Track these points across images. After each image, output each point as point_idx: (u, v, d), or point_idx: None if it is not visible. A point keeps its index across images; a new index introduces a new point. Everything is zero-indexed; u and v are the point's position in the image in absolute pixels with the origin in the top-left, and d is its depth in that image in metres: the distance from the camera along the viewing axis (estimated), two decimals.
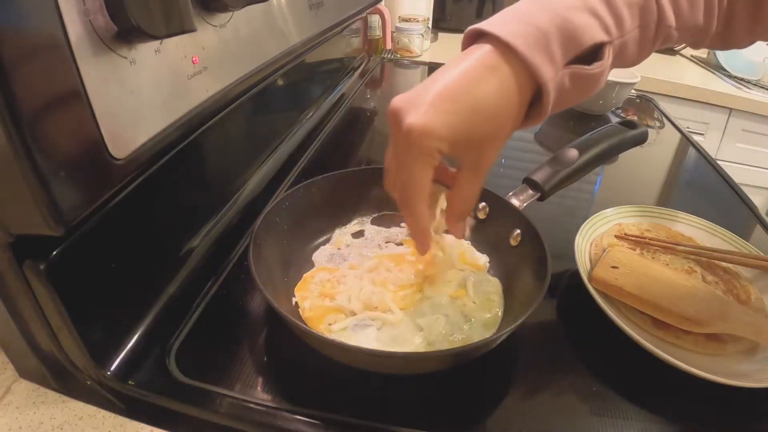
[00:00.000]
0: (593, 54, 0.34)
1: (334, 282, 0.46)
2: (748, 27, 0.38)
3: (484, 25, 0.33)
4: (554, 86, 0.33)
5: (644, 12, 0.34)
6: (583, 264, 0.49)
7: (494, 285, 0.48)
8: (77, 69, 0.27)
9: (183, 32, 0.32)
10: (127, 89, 0.31)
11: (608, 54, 0.34)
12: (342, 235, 0.54)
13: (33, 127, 0.26)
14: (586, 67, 0.33)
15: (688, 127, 1.00)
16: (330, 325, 0.42)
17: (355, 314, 0.42)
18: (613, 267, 0.47)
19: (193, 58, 0.38)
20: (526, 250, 0.47)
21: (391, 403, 0.38)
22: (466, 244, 0.53)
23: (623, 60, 0.36)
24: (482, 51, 0.32)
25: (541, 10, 0.33)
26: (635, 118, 1.03)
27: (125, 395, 0.37)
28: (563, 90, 0.34)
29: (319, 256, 0.51)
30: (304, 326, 0.38)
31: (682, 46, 1.72)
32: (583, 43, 0.33)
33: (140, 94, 0.33)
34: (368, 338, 0.41)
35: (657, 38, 0.36)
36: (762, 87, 1.59)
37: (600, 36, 0.33)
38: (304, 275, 0.47)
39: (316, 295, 0.44)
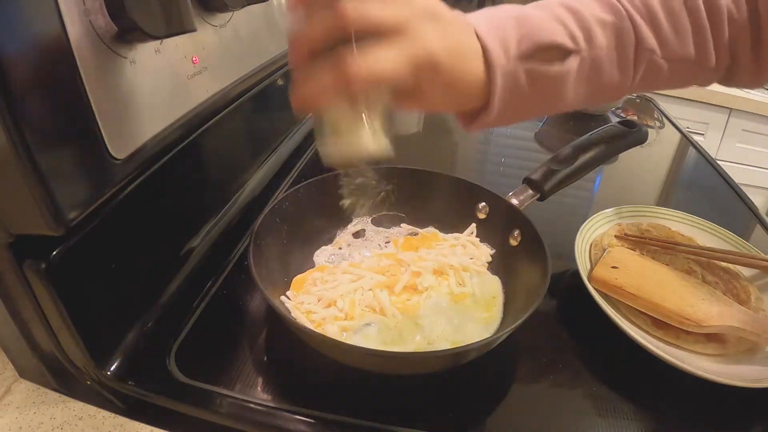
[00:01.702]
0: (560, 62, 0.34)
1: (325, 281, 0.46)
2: (752, 68, 0.37)
3: (470, 15, 0.34)
4: (504, 74, 0.33)
5: (619, 32, 0.34)
6: (583, 264, 0.49)
7: (494, 285, 0.48)
8: (77, 69, 0.27)
9: (183, 32, 0.32)
10: (127, 89, 0.31)
11: (574, 62, 0.34)
12: (342, 235, 0.54)
13: (33, 127, 0.26)
14: (544, 64, 0.33)
15: (688, 127, 1.00)
16: (328, 329, 0.42)
17: (353, 319, 0.42)
18: (613, 267, 0.47)
19: (193, 58, 0.38)
20: (526, 250, 0.47)
21: (391, 403, 0.38)
22: (472, 238, 0.53)
23: (602, 79, 0.35)
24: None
25: (510, 11, 0.34)
26: (635, 118, 1.03)
27: (125, 395, 0.37)
28: (518, 85, 0.33)
29: (320, 256, 0.51)
30: (305, 326, 0.39)
31: None
32: (539, 39, 0.33)
33: (140, 94, 0.33)
34: (368, 338, 0.41)
35: (639, 63, 0.35)
36: (762, 87, 1.59)
37: (561, 38, 0.33)
38: (293, 278, 0.47)
39: (315, 302, 0.44)
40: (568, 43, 0.33)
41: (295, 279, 0.47)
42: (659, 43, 0.35)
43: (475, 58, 0.33)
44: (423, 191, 0.56)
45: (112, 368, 0.37)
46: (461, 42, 0.32)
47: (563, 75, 0.34)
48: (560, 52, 0.34)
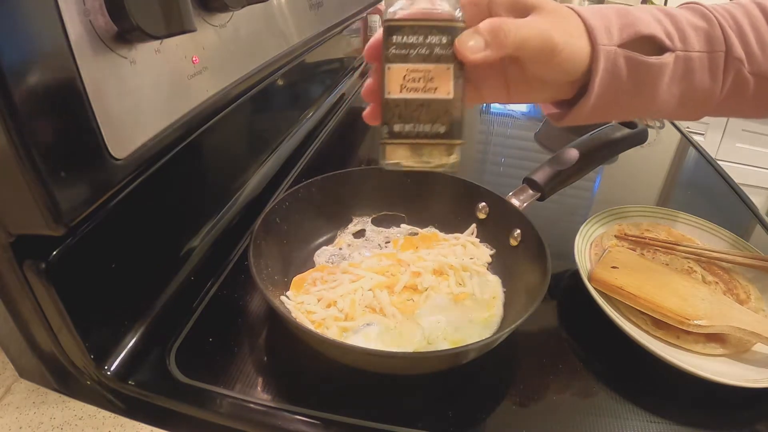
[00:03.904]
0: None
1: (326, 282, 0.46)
2: None
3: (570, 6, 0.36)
4: (606, 55, 0.34)
5: (710, 38, 0.36)
6: (583, 264, 0.49)
7: (494, 285, 0.48)
8: (77, 69, 0.27)
9: (183, 32, 0.32)
10: (127, 89, 0.31)
11: (669, 58, 0.35)
12: (343, 235, 0.54)
13: (33, 127, 0.26)
14: (642, 55, 0.35)
15: (688, 127, 1.00)
16: (328, 329, 0.42)
17: (353, 319, 0.42)
18: (613, 267, 0.47)
19: (193, 58, 0.38)
20: (526, 250, 0.47)
21: (391, 403, 0.38)
22: (472, 238, 0.53)
23: (694, 82, 0.36)
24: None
25: (611, 7, 0.36)
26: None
27: (125, 395, 0.37)
28: (618, 71, 0.35)
29: (320, 256, 0.51)
30: (305, 326, 0.39)
31: None
32: (640, 30, 0.35)
33: (140, 94, 0.33)
34: (368, 338, 0.41)
35: (728, 72, 0.36)
36: None
37: (658, 32, 0.35)
38: (293, 278, 0.47)
39: (314, 302, 0.44)
40: (665, 40, 0.35)
41: (295, 279, 0.47)
42: (746, 54, 0.36)
43: (577, 33, 0.34)
44: (423, 191, 0.56)
45: (112, 368, 0.37)
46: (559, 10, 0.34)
47: (660, 68, 0.35)
48: (657, 48, 0.35)
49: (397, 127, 0.32)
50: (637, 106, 0.37)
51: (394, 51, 0.31)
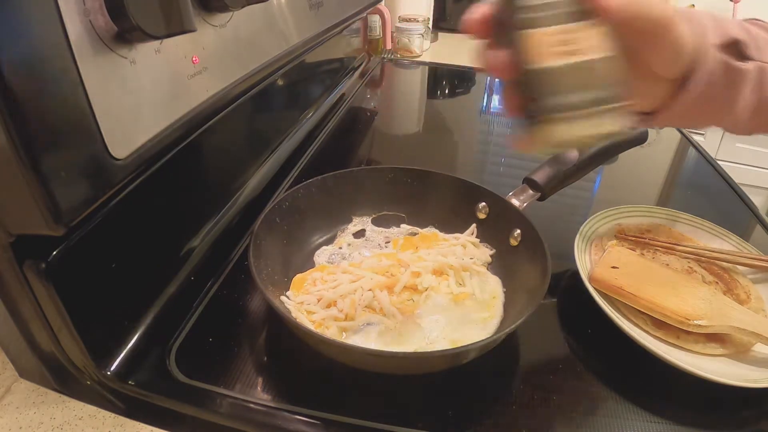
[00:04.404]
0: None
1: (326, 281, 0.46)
2: None
3: None
4: (705, 54, 0.33)
5: None
6: (583, 264, 0.49)
7: (494, 285, 0.48)
8: (77, 69, 0.27)
9: (183, 32, 0.32)
10: (127, 89, 0.31)
11: (751, 65, 0.35)
12: (343, 235, 0.54)
13: (33, 127, 0.26)
14: (731, 58, 0.34)
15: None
16: (328, 329, 0.42)
17: (353, 319, 0.42)
18: (613, 267, 0.47)
19: (193, 58, 0.38)
20: (526, 250, 0.47)
21: (391, 403, 0.38)
22: (472, 238, 0.53)
23: (764, 92, 0.35)
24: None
25: (699, 10, 0.36)
26: None
27: (125, 395, 0.37)
28: (713, 71, 0.34)
29: (320, 256, 0.51)
30: (305, 326, 0.39)
31: None
32: (730, 33, 0.34)
33: (140, 94, 0.33)
34: (368, 338, 0.41)
35: None
36: None
37: (744, 38, 0.35)
38: (293, 278, 0.47)
39: (314, 302, 0.44)
40: (750, 45, 0.35)
41: (295, 279, 0.47)
42: None
43: (678, 18, 0.32)
44: (423, 191, 0.56)
45: (112, 368, 0.37)
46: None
47: (745, 75, 0.35)
48: (737, 55, 0.35)
49: (553, 100, 0.27)
50: (717, 113, 0.37)
51: (523, 15, 0.27)
